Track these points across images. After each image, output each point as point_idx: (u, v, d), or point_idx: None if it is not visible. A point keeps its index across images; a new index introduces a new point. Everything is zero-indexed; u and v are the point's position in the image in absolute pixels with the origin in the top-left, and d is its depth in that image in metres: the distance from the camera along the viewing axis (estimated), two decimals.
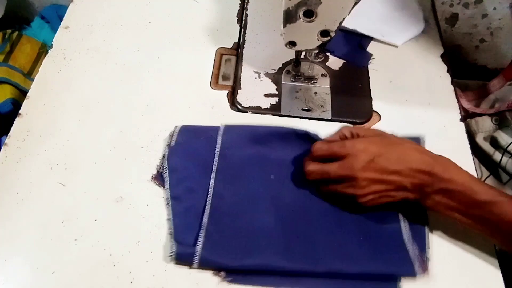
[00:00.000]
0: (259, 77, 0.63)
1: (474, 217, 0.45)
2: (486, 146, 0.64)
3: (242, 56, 0.65)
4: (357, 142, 0.47)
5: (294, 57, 0.61)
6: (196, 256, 0.45)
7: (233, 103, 0.60)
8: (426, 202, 0.46)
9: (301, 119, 0.59)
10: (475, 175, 0.56)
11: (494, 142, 0.63)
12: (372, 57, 0.67)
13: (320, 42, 0.53)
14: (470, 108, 0.68)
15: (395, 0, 0.72)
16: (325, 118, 0.60)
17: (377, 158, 0.45)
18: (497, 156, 0.62)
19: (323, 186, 0.50)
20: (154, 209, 0.50)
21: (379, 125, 0.60)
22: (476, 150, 0.63)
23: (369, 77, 0.65)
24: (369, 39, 0.69)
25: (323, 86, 0.64)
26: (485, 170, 0.64)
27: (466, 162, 0.58)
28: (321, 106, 0.61)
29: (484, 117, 0.66)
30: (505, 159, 0.61)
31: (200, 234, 0.46)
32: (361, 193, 0.46)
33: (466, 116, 0.67)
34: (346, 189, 0.47)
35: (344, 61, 0.67)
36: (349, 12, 0.48)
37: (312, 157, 0.50)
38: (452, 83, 0.66)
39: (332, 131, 0.57)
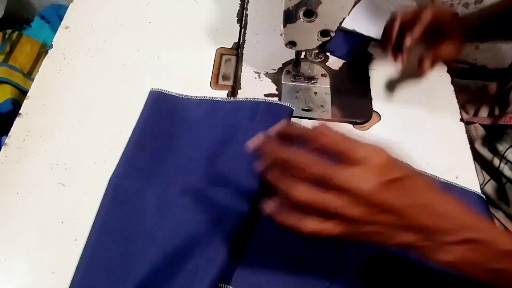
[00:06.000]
0: (259, 77, 0.63)
1: (497, 272, 0.35)
2: (485, 152, 0.63)
3: (242, 56, 0.65)
4: (374, 146, 0.34)
5: (294, 57, 0.61)
6: None
7: None
8: (435, 255, 0.34)
9: (301, 119, 0.59)
10: (476, 177, 0.56)
11: (492, 148, 0.63)
12: (372, 57, 0.67)
13: (320, 42, 0.53)
14: (467, 118, 0.68)
15: (395, 1, 0.72)
16: (325, 118, 0.60)
17: (400, 182, 0.33)
18: (496, 161, 0.62)
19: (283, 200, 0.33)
20: None
21: (379, 125, 0.60)
22: (476, 155, 0.63)
23: (369, 77, 0.65)
24: (369, 39, 0.69)
25: (323, 86, 0.64)
26: (486, 175, 0.64)
27: (466, 162, 0.58)
28: (321, 106, 0.61)
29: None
30: (502, 165, 0.60)
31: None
32: (358, 217, 0.32)
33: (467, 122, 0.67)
34: (334, 205, 0.31)
35: (344, 61, 0.67)
36: (349, 12, 0.48)
37: (281, 136, 0.36)
38: (452, 83, 0.66)
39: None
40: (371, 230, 0.33)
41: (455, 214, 0.34)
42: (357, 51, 0.68)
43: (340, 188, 0.31)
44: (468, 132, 0.62)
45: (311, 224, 0.32)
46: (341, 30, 0.67)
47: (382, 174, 0.32)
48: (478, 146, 0.65)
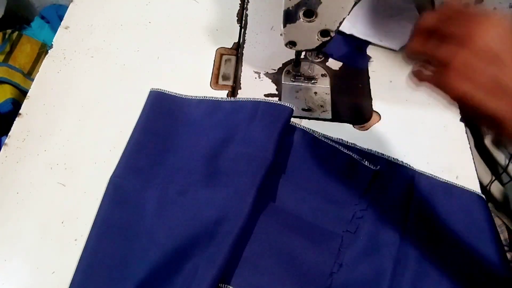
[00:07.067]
0: (259, 77, 0.63)
1: None
2: (493, 149, 0.63)
3: (242, 56, 0.65)
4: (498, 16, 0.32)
5: (294, 57, 0.61)
6: None
7: None
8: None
9: (301, 119, 0.59)
10: (476, 177, 0.56)
11: (499, 144, 0.62)
12: (370, 60, 0.67)
13: (320, 42, 0.53)
14: None
15: (392, 4, 0.72)
16: (325, 118, 0.60)
17: None
18: (501, 158, 0.61)
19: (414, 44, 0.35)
20: None
21: (379, 125, 0.60)
22: (483, 151, 0.62)
23: (369, 77, 0.65)
24: (367, 42, 0.69)
25: (323, 86, 0.64)
26: (490, 172, 0.64)
27: (466, 162, 0.58)
28: (321, 106, 0.61)
29: None
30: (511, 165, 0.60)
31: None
32: (464, 59, 0.31)
33: None
34: (446, 47, 0.32)
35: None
36: (349, 12, 0.48)
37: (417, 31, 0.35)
38: None
39: (332, 131, 0.58)
40: (477, 83, 0.31)
41: None
42: (356, 54, 0.68)
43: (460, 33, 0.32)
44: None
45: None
46: (339, 33, 0.66)
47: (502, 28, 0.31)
48: (488, 142, 0.64)
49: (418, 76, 0.35)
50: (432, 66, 0.34)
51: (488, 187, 0.64)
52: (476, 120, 0.33)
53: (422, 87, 0.36)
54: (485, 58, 0.31)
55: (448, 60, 0.32)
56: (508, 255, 0.64)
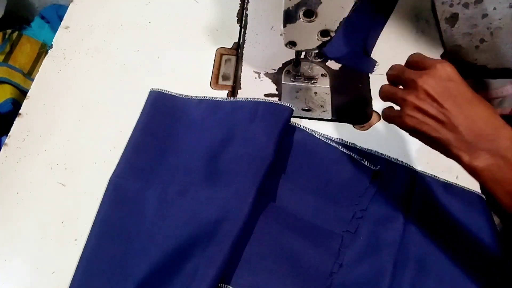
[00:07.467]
0: (259, 77, 0.63)
1: None
2: None
3: (242, 56, 0.65)
4: (444, 62, 0.42)
5: (294, 57, 0.61)
6: None
7: None
8: (467, 158, 0.39)
9: (301, 119, 0.59)
10: None
11: None
12: (377, 64, 0.66)
13: (320, 42, 0.53)
14: None
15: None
16: (325, 118, 0.60)
17: (451, 83, 0.41)
18: None
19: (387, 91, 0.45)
20: None
21: (379, 125, 0.60)
22: None
23: (369, 77, 0.65)
24: (372, 44, 0.68)
25: (323, 86, 0.64)
26: None
27: None
28: (321, 106, 0.61)
29: None
30: None
31: None
32: (412, 102, 0.41)
33: None
34: (401, 94, 0.42)
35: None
36: (349, 12, 0.48)
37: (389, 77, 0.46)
38: None
39: (332, 131, 0.58)
40: (421, 119, 0.41)
41: (495, 125, 0.39)
42: (362, 58, 0.67)
43: (408, 80, 0.43)
44: None
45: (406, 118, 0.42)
46: (344, 38, 0.66)
47: (442, 74, 0.41)
48: None
49: (383, 116, 0.46)
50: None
51: None
52: (431, 147, 0.42)
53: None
54: (427, 101, 0.41)
55: (402, 104, 0.43)
56: None
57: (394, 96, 0.44)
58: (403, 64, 0.46)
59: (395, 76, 0.45)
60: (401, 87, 0.45)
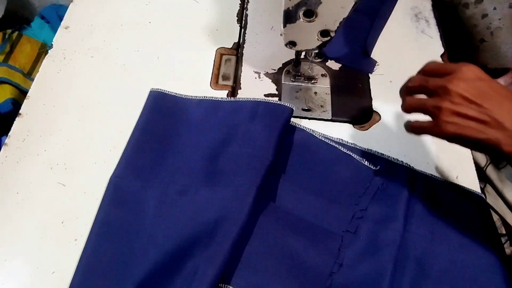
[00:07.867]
0: (259, 77, 0.63)
1: None
2: None
3: (242, 56, 0.65)
4: (468, 64, 0.42)
5: (294, 57, 0.61)
6: None
7: None
8: None
9: (301, 119, 0.59)
10: (476, 177, 0.56)
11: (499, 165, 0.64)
12: (377, 64, 0.66)
13: (320, 42, 0.53)
14: None
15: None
16: (325, 118, 0.60)
17: (482, 82, 0.40)
18: None
19: (410, 101, 0.44)
20: None
21: (379, 125, 0.60)
22: None
23: (369, 77, 0.65)
24: (372, 44, 0.68)
25: (323, 86, 0.64)
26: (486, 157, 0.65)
27: (466, 162, 0.58)
28: (321, 106, 0.61)
29: None
30: None
31: None
32: (448, 108, 0.40)
33: None
34: (433, 102, 0.41)
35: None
36: (349, 12, 0.48)
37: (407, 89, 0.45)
38: None
39: (332, 131, 0.58)
40: (462, 124, 0.40)
41: None
42: (362, 58, 0.67)
43: (438, 87, 0.41)
44: None
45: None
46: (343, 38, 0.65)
47: (470, 75, 0.40)
48: None
49: (414, 129, 0.44)
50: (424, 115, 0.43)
51: (484, 168, 0.65)
52: (475, 150, 0.42)
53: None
54: (464, 104, 0.39)
55: (436, 112, 0.41)
56: (507, 250, 0.64)
57: (424, 106, 0.42)
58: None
59: (418, 87, 0.43)
60: (423, 96, 0.43)
